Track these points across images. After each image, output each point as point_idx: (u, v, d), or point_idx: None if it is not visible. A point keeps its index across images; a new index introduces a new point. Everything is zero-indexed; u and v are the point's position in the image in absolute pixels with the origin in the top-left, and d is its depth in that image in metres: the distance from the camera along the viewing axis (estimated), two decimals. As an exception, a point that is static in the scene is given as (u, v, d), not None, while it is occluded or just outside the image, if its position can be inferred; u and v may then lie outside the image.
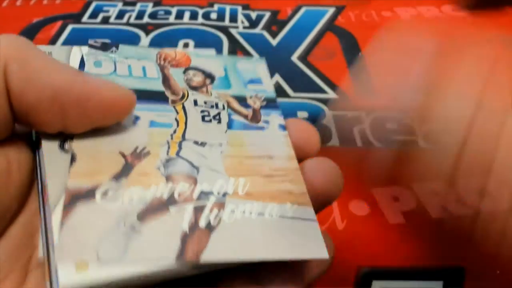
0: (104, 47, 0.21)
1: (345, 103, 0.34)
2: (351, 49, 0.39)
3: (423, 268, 0.23)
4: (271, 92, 0.23)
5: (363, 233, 0.26)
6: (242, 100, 0.22)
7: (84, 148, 0.17)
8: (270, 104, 0.22)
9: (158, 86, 0.21)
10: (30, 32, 0.40)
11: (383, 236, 0.23)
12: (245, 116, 0.21)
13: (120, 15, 0.43)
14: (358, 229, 0.27)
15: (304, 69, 0.38)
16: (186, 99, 0.21)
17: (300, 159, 0.20)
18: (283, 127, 0.21)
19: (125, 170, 0.17)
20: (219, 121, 0.20)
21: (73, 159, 0.16)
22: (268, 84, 0.23)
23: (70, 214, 0.15)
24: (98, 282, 0.14)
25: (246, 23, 0.43)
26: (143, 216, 0.16)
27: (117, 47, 0.22)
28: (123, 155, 0.17)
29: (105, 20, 0.42)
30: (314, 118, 0.34)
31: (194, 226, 0.16)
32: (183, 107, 0.20)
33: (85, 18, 0.42)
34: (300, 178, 0.19)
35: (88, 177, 0.16)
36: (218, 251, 0.15)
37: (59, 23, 0.41)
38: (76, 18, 0.42)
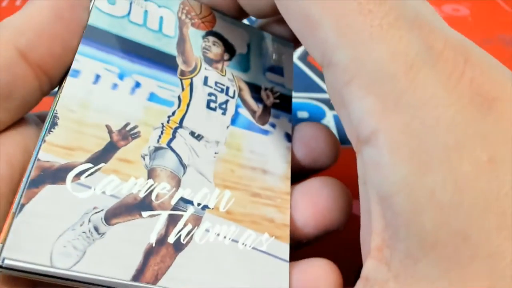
0: None
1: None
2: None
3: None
4: (288, 88, 0.21)
5: (363, 233, 0.26)
6: (255, 91, 0.20)
7: (69, 110, 0.15)
8: (283, 103, 0.20)
9: (171, 47, 0.18)
10: (30, 32, 0.40)
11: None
12: (253, 113, 0.19)
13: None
14: (358, 229, 0.26)
15: (304, 69, 0.38)
16: (197, 74, 0.19)
17: (312, 169, 0.19)
18: (289, 137, 0.19)
19: (107, 151, 0.15)
20: (224, 112, 0.18)
21: (53, 123, 0.15)
22: (288, 77, 0.21)
23: (34, 197, 0.13)
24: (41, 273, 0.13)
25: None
26: (111, 215, 0.14)
27: None
28: (110, 130, 0.15)
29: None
30: (314, 118, 0.34)
31: (162, 239, 0.15)
32: (191, 84, 0.18)
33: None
34: (286, 205, 0.18)
35: (64, 151, 0.14)
36: (178, 278, 0.14)
37: (59, 23, 0.41)
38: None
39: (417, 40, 0.12)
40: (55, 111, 0.15)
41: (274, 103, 0.20)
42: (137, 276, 0.14)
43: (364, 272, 0.13)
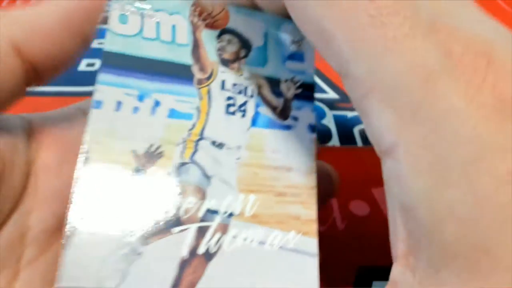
0: None
1: (345, 103, 0.34)
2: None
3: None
4: (310, 74, 0.20)
5: (363, 233, 0.26)
6: (275, 85, 0.19)
7: (97, 143, 0.16)
8: (305, 92, 0.19)
9: (186, 57, 0.18)
10: (30, 32, 0.40)
11: (383, 236, 0.23)
12: (274, 109, 0.19)
13: (120, 15, 0.43)
14: (358, 229, 0.26)
15: (304, 69, 0.38)
16: (214, 79, 0.19)
17: None
18: (312, 128, 0.19)
19: (136, 177, 0.16)
20: (244, 114, 0.18)
21: (86, 158, 0.16)
22: (309, 62, 0.20)
23: (78, 229, 0.15)
24: None
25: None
26: (146, 236, 0.16)
27: None
28: (136, 155, 0.16)
29: (105, 20, 0.42)
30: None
31: (193, 251, 0.16)
32: (209, 91, 0.18)
33: (85, 18, 0.42)
34: (313, 200, 0.18)
35: (100, 183, 0.16)
36: (211, 286, 0.15)
37: (59, 23, 0.41)
38: (76, 18, 0.42)
39: (434, 48, 0.12)
40: (86, 148, 0.16)
41: (296, 94, 0.19)
42: (175, 287, 0.15)
43: (392, 276, 0.14)
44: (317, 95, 0.35)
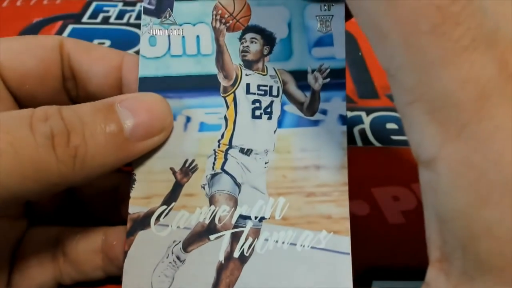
0: (158, 11, 0.20)
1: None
2: (351, 49, 0.39)
3: (423, 268, 0.23)
4: (340, 60, 0.19)
5: (363, 233, 0.26)
6: (301, 77, 0.19)
7: (141, 166, 0.19)
8: (334, 79, 0.19)
9: (211, 66, 0.19)
10: (30, 32, 0.40)
11: (383, 236, 0.23)
12: (300, 105, 0.19)
13: (120, 15, 0.43)
14: (358, 229, 0.26)
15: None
16: (238, 85, 0.19)
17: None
18: (343, 119, 0.19)
19: (175, 191, 0.18)
20: (270, 116, 0.19)
21: (133, 181, 0.18)
22: (340, 44, 0.19)
23: (132, 243, 0.18)
24: None
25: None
26: (187, 245, 0.18)
27: (171, 8, 0.20)
28: (174, 172, 0.18)
29: (105, 21, 0.42)
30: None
31: (229, 256, 0.17)
32: (234, 98, 0.19)
33: (85, 18, 0.42)
34: (344, 197, 0.18)
35: (145, 201, 0.18)
36: (247, 285, 0.17)
37: (59, 23, 0.41)
38: (76, 18, 0.42)
39: (491, 62, 0.12)
40: (133, 172, 0.19)
41: (324, 84, 0.19)
42: None
43: (427, 278, 0.14)
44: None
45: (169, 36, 0.20)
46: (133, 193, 0.18)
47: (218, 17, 0.19)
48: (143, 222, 0.18)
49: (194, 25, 0.20)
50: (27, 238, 0.21)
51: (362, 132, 0.32)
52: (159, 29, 0.20)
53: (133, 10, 0.43)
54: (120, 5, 0.44)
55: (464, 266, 0.13)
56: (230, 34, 0.19)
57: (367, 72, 0.37)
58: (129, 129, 0.17)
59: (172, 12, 0.20)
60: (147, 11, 0.20)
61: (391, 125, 0.32)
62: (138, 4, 0.44)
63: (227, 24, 0.19)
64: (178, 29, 0.20)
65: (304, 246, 0.17)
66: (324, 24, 0.19)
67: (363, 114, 0.33)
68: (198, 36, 0.20)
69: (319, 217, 0.18)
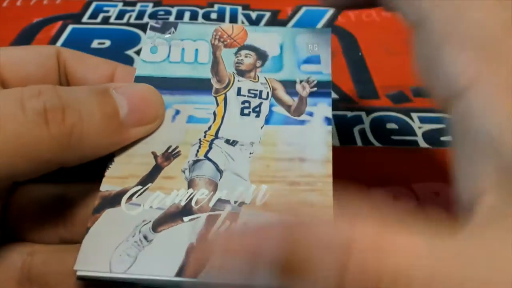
0: (164, 29, 0.22)
1: (345, 103, 0.34)
2: (351, 49, 0.39)
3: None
4: (326, 74, 0.21)
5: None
6: (290, 86, 0.21)
7: (122, 149, 0.18)
8: (321, 90, 0.20)
9: (206, 72, 0.21)
10: (30, 32, 0.40)
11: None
12: (288, 107, 0.20)
13: (120, 15, 0.43)
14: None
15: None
16: (230, 88, 0.20)
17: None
18: (329, 121, 0.20)
19: (153, 173, 0.18)
20: (258, 115, 0.20)
21: (111, 160, 0.18)
22: (326, 64, 0.21)
23: (96, 220, 0.17)
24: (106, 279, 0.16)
25: (247, 23, 0.43)
26: (157, 225, 0.17)
27: (175, 28, 0.22)
28: (155, 156, 0.18)
29: (105, 21, 0.42)
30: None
31: (202, 239, 0.17)
32: (225, 98, 0.20)
33: (85, 18, 0.42)
34: (329, 188, 0.18)
35: (119, 180, 0.18)
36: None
37: (59, 23, 0.41)
38: (76, 18, 0.42)
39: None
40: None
41: (311, 92, 0.20)
42: (180, 272, 0.16)
43: (484, 206, 0.13)
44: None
45: (170, 46, 0.22)
46: (108, 173, 0.18)
47: (218, 36, 0.22)
48: (113, 200, 0.17)
49: (194, 41, 0.22)
50: None
51: (362, 132, 0.32)
52: (162, 42, 0.22)
53: (133, 10, 0.43)
54: (120, 5, 0.44)
55: None
56: (226, 49, 0.22)
57: (367, 72, 0.37)
58: (124, 114, 0.18)
59: (176, 30, 0.22)
60: (153, 28, 0.22)
61: (391, 125, 0.32)
62: (138, 4, 0.44)
63: (225, 43, 0.22)
64: (179, 43, 0.22)
65: None
66: (312, 49, 0.22)
67: (363, 114, 0.33)
68: (197, 49, 0.22)
69: (301, 205, 0.17)
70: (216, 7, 0.45)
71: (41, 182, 0.20)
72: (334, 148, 0.32)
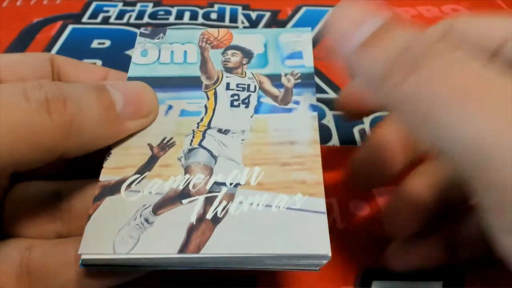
0: (153, 34, 0.24)
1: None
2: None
3: (423, 268, 0.23)
4: (309, 67, 0.22)
5: (363, 233, 0.26)
6: (276, 79, 0.22)
7: (119, 142, 0.19)
8: (305, 81, 0.22)
9: (195, 71, 0.22)
10: (30, 32, 0.40)
11: (383, 236, 0.23)
12: (275, 98, 0.21)
13: (120, 15, 0.43)
14: (358, 229, 0.27)
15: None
16: (219, 83, 0.22)
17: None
18: (314, 107, 0.21)
19: (150, 162, 0.19)
20: (247, 105, 0.21)
21: (108, 153, 0.19)
22: (308, 58, 0.23)
23: (98, 208, 0.17)
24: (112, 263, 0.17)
25: (246, 23, 0.43)
26: (157, 208, 0.17)
27: (164, 33, 0.24)
28: (151, 147, 0.19)
29: (105, 21, 0.42)
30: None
31: (201, 217, 0.17)
32: (215, 92, 0.21)
33: (85, 18, 0.42)
34: (318, 166, 0.19)
35: (117, 171, 0.18)
36: (218, 245, 0.17)
37: (59, 23, 0.41)
38: (76, 18, 0.42)
39: None
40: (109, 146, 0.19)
41: (296, 83, 0.22)
42: (183, 249, 0.16)
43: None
44: (317, 95, 0.35)
45: (160, 49, 0.23)
46: (106, 164, 0.19)
47: (205, 39, 0.24)
48: (113, 188, 0.18)
49: (183, 44, 0.23)
50: None
51: (362, 132, 0.32)
52: (152, 47, 0.23)
53: (133, 10, 0.43)
54: (120, 5, 0.44)
55: None
56: (213, 50, 0.23)
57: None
58: (119, 107, 0.18)
59: (164, 35, 0.24)
60: (142, 35, 0.24)
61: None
62: (138, 4, 0.44)
63: (212, 44, 0.23)
64: (168, 47, 0.23)
65: (279, 207, 0.17)
66: (294, 46, 0.23)
67: (363, 114, 0.33)
68: (185, 51, 0.23)
69: (294, 183, 0.18)
70: (216, 7, 0.45)
71: (37, 179, 0.21)
72: (334, 148, 0.33)
